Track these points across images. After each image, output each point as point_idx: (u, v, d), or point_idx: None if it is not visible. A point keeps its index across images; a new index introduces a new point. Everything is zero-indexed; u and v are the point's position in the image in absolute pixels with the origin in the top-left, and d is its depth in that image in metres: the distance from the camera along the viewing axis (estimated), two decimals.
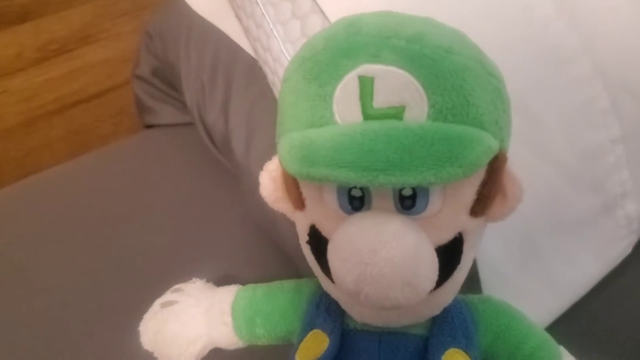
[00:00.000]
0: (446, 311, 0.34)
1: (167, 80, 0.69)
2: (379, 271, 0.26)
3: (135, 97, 0.73)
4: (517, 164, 0.32)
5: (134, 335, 0.41)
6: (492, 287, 0.41)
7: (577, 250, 0.44)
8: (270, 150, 0.53)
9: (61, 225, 0.59)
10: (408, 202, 0.29)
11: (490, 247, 0.41)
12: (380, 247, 0.27)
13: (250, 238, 0.56)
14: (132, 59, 0.73)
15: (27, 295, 0.52)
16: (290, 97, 0.30)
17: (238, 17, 0.51)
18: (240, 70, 0.57)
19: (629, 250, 0.47)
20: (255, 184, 0.52)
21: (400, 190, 0.29)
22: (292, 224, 0.49)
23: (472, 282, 0.41)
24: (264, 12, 0.44)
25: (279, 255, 0.53)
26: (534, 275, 0.43)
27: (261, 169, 0.51)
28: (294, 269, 0.48)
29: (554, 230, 0.42)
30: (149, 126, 0.74)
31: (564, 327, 0.39)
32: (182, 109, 0.70)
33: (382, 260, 0.26)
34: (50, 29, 0.73)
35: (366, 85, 0.27)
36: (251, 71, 0.56)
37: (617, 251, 0.46)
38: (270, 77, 0.48)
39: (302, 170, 0.28)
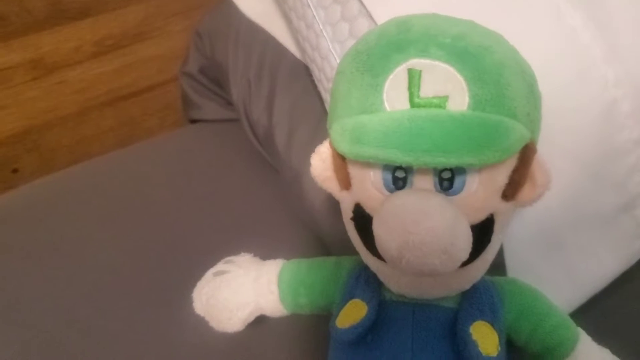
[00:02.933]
0: (475, 287, 0.37)
1: (213, 78, 0.73)
2: (420, 239, 0.29)
3: (182, 93, 0.78)
4: (546, 160, 0.34)
5: (184, 304, 0.45)
6: (517, 273, 0.44)
7: (597, 245, 0.46)
8: (310, 143, 0.56)
9: (109, 208, 0.62)
10: (446, 183, 0.32)
11: (517, 236, 0.43)
12: (423, 218, 0.30)
13: (288, 225, 0.59)
14: (181, 56, 0.78)
15: (80, 270, 0.55)
16: (343, 86, 0.33)
17: (289, 18, 0.54)
18: (284, 69, 0.61)
19: None
20: (295, 175, 0.57)
21: (440, 172, 0.32)
22: (327, 213, 0.53)
23: (499, 268, 0.43)
24: (314, 14, 0.48)
25: (315, 241, 0.56)
26: (555, 265, 0.45)
27: (301, 160, 0.55)
28: (327, 253, 0.51)
29: (576, 225, 0.45)
30: (193, 121, 0.78)
31: (580, 319, 0.41)
32: (225, 105, 0.74)
33: (424, 229, 0.29)
34: (108, 26, 0.77)
35: (414, 77, 0.30)
36: (295, 70, 0.60)
37: (634, 248, 0.48)
38: (317, 75, 0.51)
39: (353, 150, 0.31)
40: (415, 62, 0.31)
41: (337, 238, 0.52)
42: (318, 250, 0.54)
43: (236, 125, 0.69)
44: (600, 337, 0.40)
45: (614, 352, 0.40)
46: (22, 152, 0.78)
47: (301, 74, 0.58)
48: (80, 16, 0.74)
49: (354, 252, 0.38)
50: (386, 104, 0.31)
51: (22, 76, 0.74)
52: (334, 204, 0.39)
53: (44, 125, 0.78)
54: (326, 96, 0.52)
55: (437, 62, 0.30)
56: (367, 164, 0.33)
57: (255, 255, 0.47)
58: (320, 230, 0.55)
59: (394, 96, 0.31)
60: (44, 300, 0.52)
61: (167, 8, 0.82)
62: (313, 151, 0.37)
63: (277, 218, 0.61)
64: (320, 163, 0.37)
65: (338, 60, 0.47)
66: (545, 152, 0.35)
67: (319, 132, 0.55)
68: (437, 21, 0.32)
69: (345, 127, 0.32)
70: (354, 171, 0.34)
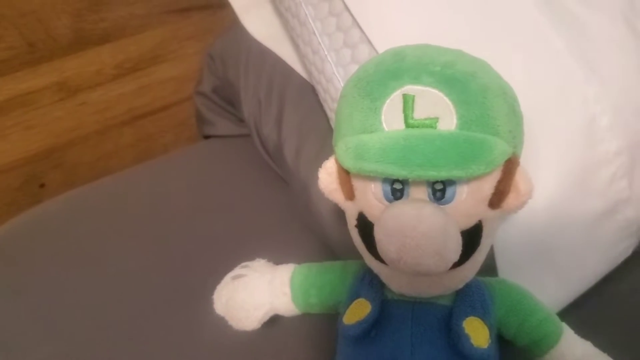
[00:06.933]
0: (467, 286, 0.40)
1: (225, 97, 0.77)
2: (416, 242, 0.33)
3: (196, 111, 0.81)
4: (533, 171, 0.38)
5: (205, 305, 0.48)
6: (507, 275, 0.46)
7: (583, 248, 0.49)
8: (317, 157, 0.60)
9: (130, 219, 0.66)
10: (439, 193, 0.35)
11: (507, 241, 0.47)
12: (418, 223, 0.33)
13: (298, 232, 0.62)
14: (195, 77, 0.81)
15: (104, 277, 0.58)
16: (346, 109, 0.37)
17: (296, 43, 0.58)
18: (292, 89, 0.64)
19: (629, 251, 0.52)
20: (304, 187, 0.61)
21: (433, 184, 0.35)
22: (335, 223, 0.57)
23: (491, 271, 0.46)
24: (320, 41, 0.51)
25: (323, 247, 0.59)
26: (543, 267, 0.48)
27: (309, 173, 0.59)
28: (334, 258, 0.53)
29: (562, 230, 0.48)
30: (207, 137, 0.82)
31: (566, 316, 0.43)
32: (236, 122, 0.78)
33: (419, 233, 0.33)
34: (126, 50, 0.81)
35: (408, 101, 0.34)
36: (302, 90, 0.63)
37: (618, 251, 0.51)
38: (322, 95, 0.55)
39: (356, 165, 0.35)
40: (409, 88, 0.34)
41: (342, 243, 0.55)
42: (326, 255, 0.57)
43: (247, 140, 0.72)
44: (585, 332, 0.42)
45: (596, 345, 0.42)
46: (48, 169, 0.81)
47: (308, 94, 0.62)
48: (101, 42, 0.78)
49: (359, 256, 0.41)
50: (384, 125, 0.35)
51: (48, 98, 0.77)
52: (339, 213, 0.42)
53: (68, 143, 0.81)
54: (331, 114, 0.55)
55: (428, 88, 0.34)
56: (369, 177, 0.36)
57: (269, 261, 0.50)
58: (327, 236, 0.58)
59: (390, 118, 0.35)
60: (72, 307, 0.55)
61: (182, 32, 0.85)
62: (320, 164, 0.41)
63: (287, 226, 0.63)
64: (327, 176, 0.40)
65: (342, 83, 0.50)
66: (531, 163, 0.39)
67: (325, 147, 0.58)
68: (428, 51, 0.36)
69: (349, 145, 0.35)
70: (357, 184, 0.38)
